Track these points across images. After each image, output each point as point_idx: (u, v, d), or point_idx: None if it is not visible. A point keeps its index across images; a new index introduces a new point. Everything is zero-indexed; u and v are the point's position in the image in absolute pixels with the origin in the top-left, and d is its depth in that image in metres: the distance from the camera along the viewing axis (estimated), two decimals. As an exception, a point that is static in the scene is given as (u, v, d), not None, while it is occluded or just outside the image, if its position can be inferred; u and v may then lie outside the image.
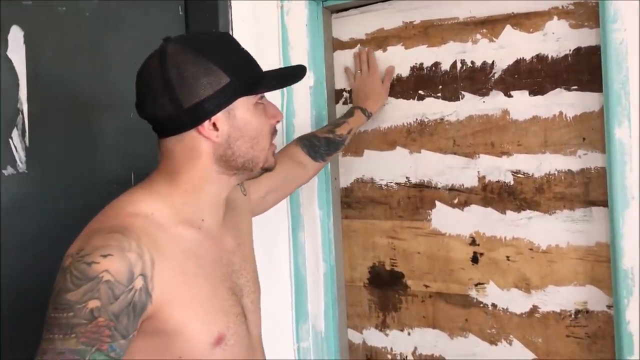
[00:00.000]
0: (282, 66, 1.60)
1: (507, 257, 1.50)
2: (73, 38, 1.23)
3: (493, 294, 1.52)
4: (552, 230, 1.44)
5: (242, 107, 0.96)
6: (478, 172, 1.53)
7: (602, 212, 1.38)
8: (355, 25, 1.70)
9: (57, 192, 1.19)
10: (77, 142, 1.23)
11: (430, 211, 1.61)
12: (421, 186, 1.62)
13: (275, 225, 1.66)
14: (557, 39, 1.42)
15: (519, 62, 1.47)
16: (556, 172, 1.43)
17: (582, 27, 1.39)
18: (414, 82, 1.61)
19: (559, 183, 1.43)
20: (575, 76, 1.40)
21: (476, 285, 1.55)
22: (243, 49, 1.00)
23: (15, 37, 1.12)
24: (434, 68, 1.58)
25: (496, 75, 1.49)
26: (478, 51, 1.52)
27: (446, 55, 1.56)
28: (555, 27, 1.42)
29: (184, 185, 0.97)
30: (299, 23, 1.67)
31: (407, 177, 1.64)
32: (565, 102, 1.41)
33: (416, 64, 1.61)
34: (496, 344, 1.52)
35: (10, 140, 1.11)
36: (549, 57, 1.43)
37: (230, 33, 1.51)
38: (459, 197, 1.56)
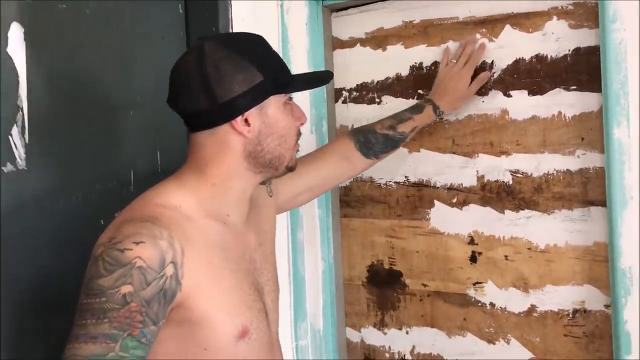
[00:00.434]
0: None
1: (506, 256, 1.50)
2: (73, 35, 1.23)
3: (491, 293, 1.53)
4: (551, 229, 1.44)
5: (273, 105, 1.00)
6: (477, 171, 1.53)
7: (601, 212, 1.38)
8: (355, 24, 1.70)
9: (56, 189, 1.19)
10: (77, 140, 1.23)
11: (429, 210, 1.61)
12: (420, 185, 1.62)
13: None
14: (557, 39, 1.42)
15: (518, 62, 1.47)
16: (555, 172, 1.43)
17: (581, 27, 1.39)
18: (414, 81, 1.61)
19: (557, 183, 1.43)
20: (575, 76, 1.40)
21: (474, 284, 1.55)
22: (274, 51, 1.05)
23: (16, 34, 1.12)
24: (433, 67, 1.58)
25: (495, 75, 1.50)
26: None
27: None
28: (555, 27, 1.42)
29: (212, 179, 1.00)
30: (299, 22, 1.67)
31: (406, 176, 1.64)
32: (565, 102, 1.42)
33: (416, 63, 1.61)
34: (494, 343, 1.53)
35: (9, 137, 1.11)
36: (549, 57, 1.43)
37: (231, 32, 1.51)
38: (458, 196, 1.56)
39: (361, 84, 1.70)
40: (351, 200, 1.73)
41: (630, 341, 1.28)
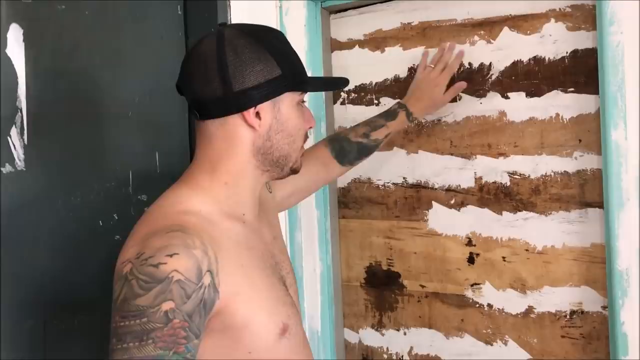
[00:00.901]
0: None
1: (503, 257, 1.51)
2: (72, 36, 1.23)
3: (489, 295, 1.53)
4: (548, 231, 1.45)
5: (287, 103, 0.98)
6: (475, 173, 1.54)
7: (598, 214, 1.38)
8: (353, 26, 1.70)
9: (55, 190, 1.19)
10: (76, 141, 1.23)
11: (427, 211, 1.61)
12: (418, 186, 1.62)
13: (273, 224, 1.66)
14: (554, 41, 1.42)
15: (516, 64, 1.47)
16: (552, 174, 1.44)
17: (579, 29, 1.39)
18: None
19: (555, 184, 1.44)
20: (572, 78, 1.41)
21: (472, 285, 1.55)
22: (293, 48, 1.02)
23: (15, 35, 1.12)
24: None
25: (493, 77, 1.50)
26: (475, 52, 1.52)
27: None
28: (553, 30, 1.43)
29: (224, 178, 0.97)
30: (298, 23, 1.67)
31: (404, 178, 1.64)
32: (562, 104, 1.42)
33: (414, 65, 1.61)
34: (492, 344, 1.53)
35: (8, 138, 1.11)
36: (546, 59, 1.44)
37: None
38: (456, 197, 1.57)
39: (359, 85, 1.70)
40: (349, 202, 1.73)
41: (628, 342, 1.28)
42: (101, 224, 1.28)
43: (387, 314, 1.69)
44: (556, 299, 1.45)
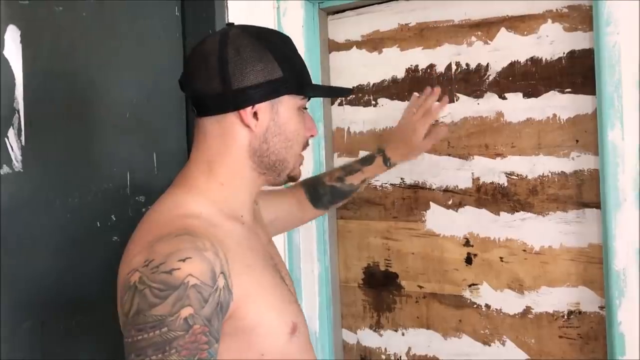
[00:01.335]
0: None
1: (501, 258, 1.51)
2: (70, 38, 1.23)
3: (486, 295, 1.53)
4: (545, 231, 1.45)
5: (287, 106, 0.96)
6: (472, 173, 1.54)
7: (595, 214, 1.39)
8: (351, 26, 1.71)
9: (53, 191, 1.19)
10: (73, 142, 1.23)
11: (424, 212, 1.61)
12: (416, 187, 1.62)
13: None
14: (551, 42, 1.43)
15: (513, 65, 1.48)
16: (549, 174, 1.44)
17: (576, 30, 1.40)
18: (409, 83, 1.62)
19: (552, 185, 1.44)
20: (569, 79, 1.41)
21: (470, 286, 1.55)
22: (299, 54, 1.01)
23: (12, 36, 1.12)
24: (429, 70, 1.59)
25: (490, 78, 1.50)
26: (473, 53, 1.53)
27: (441, 57, 1.57)
28: (550, 30, 1.43)
29: (220, 178, 0.95)
30: (295, 24, 1.67)
31: (401, 178, 1.65)
32: (559, 105, 1.42)
33: (411, 65, 1.61)
34: (489, 345, 1.53)
35: (6, 139, 1.10)
36: (543, 59, 1.44)
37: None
38: (453, 198, 1.57)
39: (357, 86, 1.70)
40: (347, 202, 1.73)
41: (625, 342, 1.28)
42: (99, 225, 1.27)
43: (385, 315, 1.69)
44: (554, 299, 1.45)
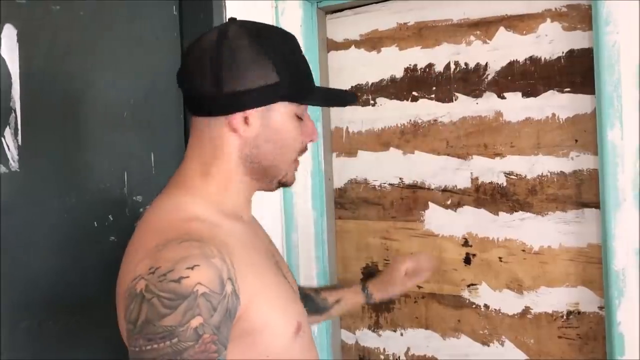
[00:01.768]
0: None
1: (500, 258, 1.51)
2: (67, 37, 1.22)
3: (485, 295, 1.53)
4: (545, 231, 1.45)
5: (281, 113, 0.92)
6: (471, 173, 1.54)
7: (594, 214, 1.38)
8: (349, 26, 1.70)
9: (49, 190, 1.18)
10: (70, 141, 1.23)
11: (423, 212, 1.61)
12: (414, 187, 1.62)
13: (269, 225, 1.65)
14: (550, 41, 1.42)
15: (512, 64, 1.47)
16: (549, 174, 1.44)
17: (575, 29, 1.39)
18: (408, 83, 1.61)
19: (551, 184, 1.44)
20: (568, 78, 1.41)
21: (469, 286, 1.55)
22: (303, 56, 0.96)
23: (9, 35, 1.11)
24: (427, 69, 1.58)
25: (489, 77, 1.50)
26: (472, 53, 1.52)
27: (440, 56, 1.57)
28: (549, 30, 1.43)
29: (216, 180, 0.93)
30: (294, 23, 1.67)
31: (400, 178, 1.64)
32: (558, 104, 1.42)
33: (410, 65, 1.61)
34: (488, 345, 1.53)
35: (2, 139, 1.10)
36: (542, 59, 1.44)
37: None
38: (452, 198, 1.57)
39: (356, 85, 1.70)
40: (346, 202, 1.73)
41: (624, 342, 1.28)
42: (96, 224, 1.27)
43: (383, 315, 1.68)
44: (553, 299, 1.45)
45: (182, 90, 0.95)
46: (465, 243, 1.55)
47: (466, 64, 1.53)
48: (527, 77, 1.45)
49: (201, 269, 0.76)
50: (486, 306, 1.53)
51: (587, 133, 1.39)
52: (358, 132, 1.70)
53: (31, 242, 1.14)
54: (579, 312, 1.42)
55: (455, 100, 1.55)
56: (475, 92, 1.52)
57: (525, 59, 1.46)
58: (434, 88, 1.58)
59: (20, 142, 1.12)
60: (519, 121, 1.47)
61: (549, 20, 1.43)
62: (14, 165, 1.11)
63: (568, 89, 1.41)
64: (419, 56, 1.60)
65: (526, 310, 1.48)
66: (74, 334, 1.21)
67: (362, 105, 1.69)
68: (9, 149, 1.10)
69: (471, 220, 1.54)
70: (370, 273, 1.36)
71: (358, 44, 1.69)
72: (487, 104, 1.51)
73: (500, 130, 1.49)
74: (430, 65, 1.58)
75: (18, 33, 1.13)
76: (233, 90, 0.88)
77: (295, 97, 0.92)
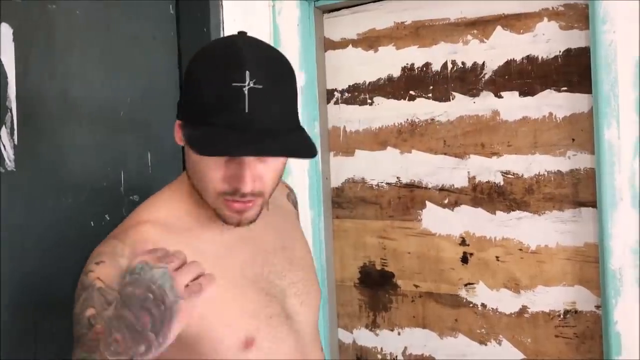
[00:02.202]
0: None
1: (497, 257, 1.51)
2: (63, 36, 1.22)
3: (483, 294, 1.53)
4: (542, 230, 1.45)
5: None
6: (468, 172, 1.54)
7: (591, 213, 1.38)
8: (346, 25, 1.70)
9: (46, 190, 1.18)
10: (66, 140, 1.23)
11: (420, 211, 1.61)
12: (412, 186, 1.62)
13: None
14: (547, 40, 1.42)
15: (509, 63, 1.47)
16: (545, 173, 1.44)
17: (572, 28, 1.39)
18: (405, 82, 1.61)
19: (548, 184, 1.44)
20: (565, 77, 1.41)
21: (466, 285, 1.55)
22: (233, 77, 0.79)
23: (5, 34, 1.11)
24: (424, 68, 1.58)
25: (486, 76, 1.50)
26: (469, 52, 1.52)
27: (437, 55, 1.57)
28: (546, 29, 1.43)
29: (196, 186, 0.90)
30: (291, 23, 1.67)
31: (397, 177, 1.64)
32: (555, 103, 1.42)
33: (407, 64, 1.61)
34: (486, 344, 1.53)
35: (-2, 138, 1.10)
36: (539, 58, 1.44)
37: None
38: (449, 197, 1.57)
39: (353, 85, 1.70)
40: (343, 202, 1.73)
41: (621, 342, 1.28)
42: (92, 224, 1.27)
43: (381, 314, 1.68)
44: (550, 298, 1.45)
45: None
46: (463, 242, 1.55)
47: (463, 63, 1.53)
48: (524, 76, 1.45)
49: (104, 265, 0.83)
50: (483, 305, 1.53)
51: (584, 132, 1.39)
52: (355, 132, 1.70)
53: (27, 241, 1.14)
54: (576, 311, 1.42)
55: (453, 99, 1.55)
56: (472, 91, 1.52)
57: (523, 58, 1.46)
58: (431, 87, 1.58)
59: (16, 142, 1.12)
60: (516, 120, 1.47)
61: (546, 19, 1.42)
62: (10, 164, 1.11)
63: (565, 88, 1.41)
64: (416, 55, 1.60)
65: (523, 309, 1.48)
66: (70, 335, 1.21)
67: (360, 105, 1.69)
68: (5, 148, 1.10)
69: (468, 220, 1.54)
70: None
71: (355, 43, 1.69)
72: (484, 103, 1.51)
73: (497, 129, 1.49)
74: (427, 65, 1.58)
75: (14, 32, 1.12)
76: (181, 97, 0.91)
77: (190, 137, 0.83)
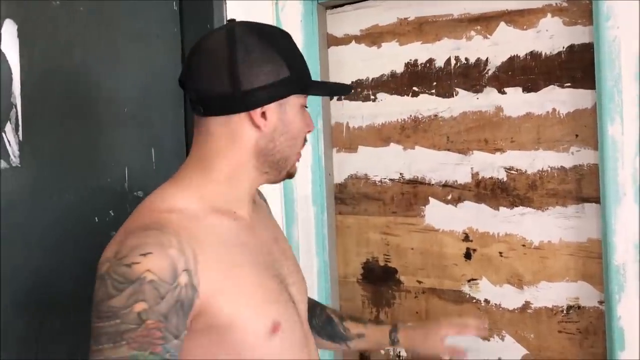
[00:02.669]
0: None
1: (500, 253, 1.51)
2: (67, 32, 1.23)
3: (486, 290, 1.53)
4: (545, 226, 1.45)
5: (293, 105, 0.96)
6: (471, 168, 1.54)
7: (594, 209, 1.39)
8: (349, 21, 1.70)
9: (50, 186, 1.18)
10: (71, 137, 1.23)
11: (423, 207, 1.61)
12: (415, 182, 1.62)
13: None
14: (551, 36, 1.42)
15: (512, 59, 1.47)
16: (549, 169, 1.44)
17: (575, 24, 1.39)
18: (408, 78, 1.61)
19: (551, 179, 1.44)
20: (569, 73, 1.41)
21: (469, 281, 1.55)
22: (299, 51, 1.00)
23: (9, 30, 1.11)
24: (428, 64, 1.58)
25: (490, 72, 1.50)
26: (472, 48, 1.52)
27: (440, 51, 1.57)
28: (549, 25, 1.42)
29: (217, 175, 0.95)
30: (294, 19, 1.67)
31: (400, 173, 1.64)
32: (559, 99, 1.42)
33: (410, 60, 1.61)
34: (489, 340, 1.53)
35: (3, 134, 1.10)
36: (543, 54, 1.44)
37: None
38: (453, 193, 1.57)
39: (356, 81, 1.70)
40: (346, 198, 1.73)
41: (624, 337, 1.28)
42: (97, 220, 1.27)
43: (384, 310, 1.69)
44: (553, 294, 1.45)
45: (189, 93, 0.96)
46: (466, 238, 1.55)
47: (467, 59, 1.53)
48: (528, 72, 1.45)
49: (153, 257, 0.80)
50: (486, 301, 1.53)
51: (587, 128, 1.39)
52: (358, 128, 1.70)
53: (32, 236, 1.14)
54: (579, 307, 1.42)
55: (456, 95, 1.55)
56: (475, 87, 1.52)
57: (526, 54, 1.45)
58: (435, 83, 1.58)
59: (21, 138, 1.12)
60: (520, 116, 1.47)
61: (549, 15, 1.42)
62: (14, 160, 1.12)
63: (568, 84, 1.41)
64: (419, 51, 1.60)
65: (526, 305, 1.48)
66: (74, 331, 1.21)
67: (363, 101, 1.69)
68: (9, 144, 1.11)
69: (471, 215, 1.54)
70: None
71: (358, 39, 1.69)
72: (487, 99, 1.51)
73: (500, 125, 1.49)
74: (430, 61, 1.58)
75: (18, 28, 1.13)
76: (251, 87, 0.91)
77: (305, 89, 0.98)
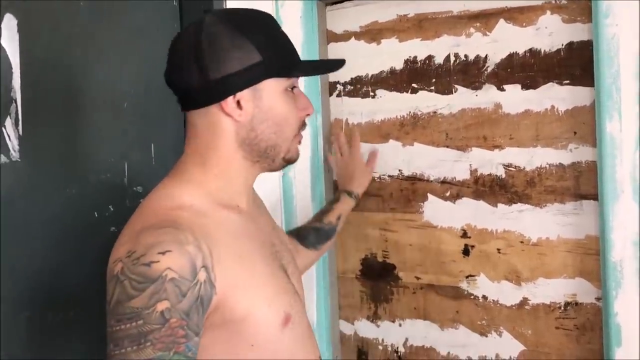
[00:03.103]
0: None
1: (498, 249, 1.51)
2: (67, 27, 1.23)
3: (484, 286, 1.54)
4: (543, 223, 1.45)
5: (270, 90, 0.93)
6: (470, 165, 1.54)
7: (592, 206, 1.39)
8: (349, 17, 1.70)
9: (50, 181, 1.19)
10: (71, 131, 1.23)
11: (422, 204, 1.61)
12: (414, 179, 1.63)
13: (268, 216, 1.66)
14: (550, 34, 1.43)
15: (512, 56, 1.47)
16: (547, 166, 1.44)
17: (574, 21, 1.40)
18: (408, 75, 1.62)
19: (550, 176, 1.44)
20: (568, 70, 1.41)
21: (467, 277, 1.56)
22: (283, 32, 0.98)
23: (9, 25, 1.11)
24: (427, 61, 1.58)
25: (489, 69, 1.50)
26: (471, 45, 1.52)
27: (440, 48, 1.57)
28: (548, 22, 1.43)
29: (214, 169, 0.95)
30: (294, 15, 1.67)
31: (399, 170, 1.65)
32: (557, 96, 1.42)
33: (410, 57, 1.61)
34: (486, 336, 1.54)
35: (3, 129, 1.10)
36: (542, 51, 1.44)
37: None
38: (451, 189, 1.57)
39: (355, 77, 1.70)
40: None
41: (621, 333, 1.29)
42: (96, 215, 1.28)
43: (382, 306, 1.69)
44: (550, 290, 1.45)
45: (172, 89, 0.97)
46: (464, 234, 1.56)
47: (466, 56, 1.53)
48: (527, 70, 1.46)
49: (172, 255, 0.79)
50: (484, 297, 1.54)
51: (585, 125, 1.39)
52: (358, 124, 1.70)
53: (31, 232, 1.15)
54: (576, 303, 1.43)
55: (455, 92, 1.55)
56: (474, 84, 1.52)
57: (525, 51, 1.46)
58: (434, 80, 1.58)
59: (21, 132, 1.13)
60: (518, 113, 1.47)
61: (548, 12, 1.43)
62: (14, 155, 1.12)
63: (567, 81, 1.41)
64: (418, 48, 1.60)
65: (524, 301, 1.49)
66: (74, 325, 1.21)
67: (362, 97, 1.69)
68: (9, 138, 1.11)
69: (470, 212, 1.55)
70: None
71: (358, 35, 1.69)
72: (486, 96, 1.51)
73: (499, 122, 1.50)
74: (430, 57, 1.58)
75: (18, 23, 1.13)
76: (219, 76, 0.89)
77: (280, 71, 0.94)
